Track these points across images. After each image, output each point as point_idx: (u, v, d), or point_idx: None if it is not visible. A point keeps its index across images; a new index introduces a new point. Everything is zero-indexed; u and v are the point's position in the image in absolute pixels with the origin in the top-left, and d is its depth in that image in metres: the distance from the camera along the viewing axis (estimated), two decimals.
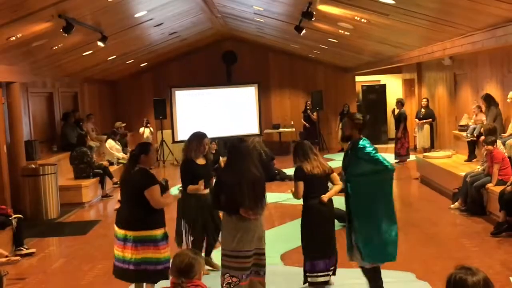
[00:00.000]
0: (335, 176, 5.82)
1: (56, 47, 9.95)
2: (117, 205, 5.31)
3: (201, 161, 6.30)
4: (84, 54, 11.57)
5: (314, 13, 8.89)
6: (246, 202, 5.01)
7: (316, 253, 5.69)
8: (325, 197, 5.66)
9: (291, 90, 18.82)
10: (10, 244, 7.68)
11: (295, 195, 5.70)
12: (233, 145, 5.37)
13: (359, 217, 5.14)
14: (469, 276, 2.52)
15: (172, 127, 16.66)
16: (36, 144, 11.00)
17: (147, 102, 17.74)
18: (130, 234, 5.13)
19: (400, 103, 14.67)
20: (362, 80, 19.47)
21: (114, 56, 13.50)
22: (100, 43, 10.08)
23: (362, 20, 9.18)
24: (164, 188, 5.41)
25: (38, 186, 9.87)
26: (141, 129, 16.18)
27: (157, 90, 18.00)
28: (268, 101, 18.59)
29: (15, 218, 7.76)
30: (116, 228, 5.28)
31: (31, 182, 9.89)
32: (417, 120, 14.54)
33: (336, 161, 13.66)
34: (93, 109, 15.49)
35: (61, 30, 8.21)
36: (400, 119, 14.40)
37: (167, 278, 4.96)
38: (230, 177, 5.10)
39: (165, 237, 5.26)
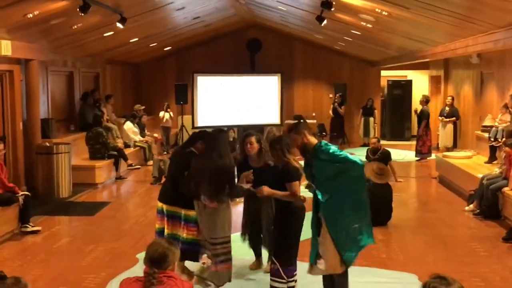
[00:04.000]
0: None
1: (76, 26, 9.92)
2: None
3: (256, 162, 5.83)
4: (105, 35, 11.54)
5: (334, 2, 8.68)
6: (205, 189, 5.14)
7: (296, 256, 5.05)
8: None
9: (315, 81, 18.55)
10: (16, 221, 7.73)
11: (296, 196, 4.88)
12: (210, 134, 5.48)
13: (334, 224, 4.69)
14: (443, 286, 2.38)
15: (192, 113, 16.54)
16: (53, 123, 11.06)
17: (169, 86, 17.69)
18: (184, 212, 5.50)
19: (425, 100, 14.33)
20: (388, 74, 19.10)
21: (137, 39, 13.45)
22: (119, 25, 9.98)
23: (383, 12, 8.94)
24: None
25: (51, 164, 9.90)
26: (161, 113, 16.16)
27: (180, 75, 17.93)
28: (290, 91, 18.37)
29: (22, 195, 7.79)
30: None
31: (44, 160, 9.93)
32: (440, 118, 14.21)
33: (356, 155, 13.41)
34: (114, 91, 15.49)
35: (77, 9, 8.17)
36: (422, 116, 14.10)
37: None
38: (199, 164, 5.24)
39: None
